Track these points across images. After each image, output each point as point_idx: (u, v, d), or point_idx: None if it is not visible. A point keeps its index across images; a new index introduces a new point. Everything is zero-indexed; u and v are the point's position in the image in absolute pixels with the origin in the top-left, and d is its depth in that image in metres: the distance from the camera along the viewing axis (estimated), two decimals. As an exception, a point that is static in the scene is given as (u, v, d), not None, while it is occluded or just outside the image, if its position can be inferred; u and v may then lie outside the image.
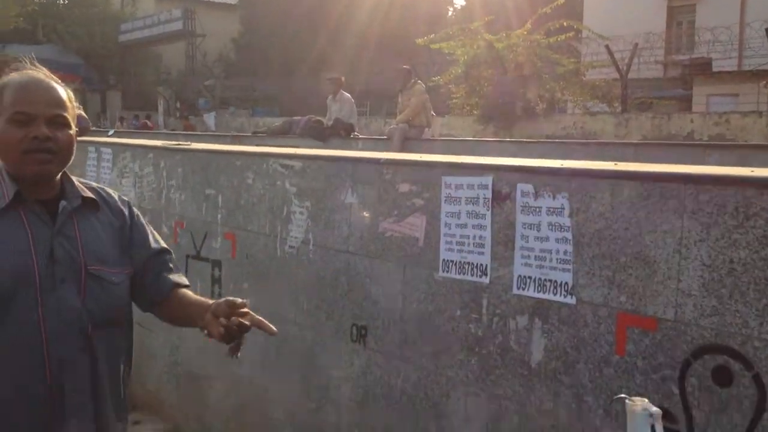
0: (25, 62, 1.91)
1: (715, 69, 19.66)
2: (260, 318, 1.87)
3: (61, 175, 1.93)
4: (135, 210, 2.09)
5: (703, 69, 19.79)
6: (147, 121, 24.94)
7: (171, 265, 2.13)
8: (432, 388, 2.89)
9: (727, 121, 11.22)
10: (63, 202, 1.89)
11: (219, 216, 4.24)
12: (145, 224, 2.10)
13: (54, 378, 1.81)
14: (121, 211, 2.04)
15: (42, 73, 1.90)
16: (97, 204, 1.97)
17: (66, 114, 1.88)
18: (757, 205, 1.96)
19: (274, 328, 1.88)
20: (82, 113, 7.33)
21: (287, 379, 3.70)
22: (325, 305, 3.45)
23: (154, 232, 2.14)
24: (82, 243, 1.89)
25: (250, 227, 3.97)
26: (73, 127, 1.92)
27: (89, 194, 1.96)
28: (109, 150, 5.49)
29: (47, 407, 1.82)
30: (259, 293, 3.89)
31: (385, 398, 3.11)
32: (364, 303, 3.21)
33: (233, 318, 1.81)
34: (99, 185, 2.06)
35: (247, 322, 1.82)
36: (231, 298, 1.87)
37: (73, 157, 1.92)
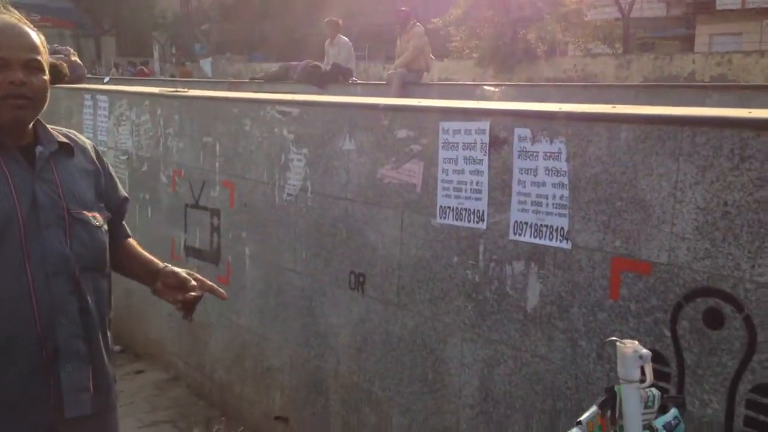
0: None
1: (718, 7, 19.34)
2: (210, 283, 2.13)
3: (35, 122, 1.93)
4: (103, 157, 2.13)
5: (706, 7, 19.48)
6: (143, 67, 24.65)
7: (125, 215, 2.22)
8: (429, 335, 2.94)
9: (729, 61, 11.10)
10: (39, 148, 1.89)
11: (217, 164, 4.24)
12: (112, 172, 2.15)
13: (44, 323, 1.83)
14: (93, 157, 2.07)
15: (14, 18, 1.88)
16: (71, 149, 1.98)
17: (40, 58, 1.87)
18: (753, 147, 1.95)
19: (224, 293, 2.19)
20: (77, 60, 7.25)
21: (287, 327, 3.75)
22: (324, 253, 3.47)
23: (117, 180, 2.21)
24: (63, 187, 1.90)
25: (249, 175, 3.97)
26: (47, 72, 1.91)
27: (64, 139, 1.97)
28: (105, 98, 5.44)
29: (42, 353, 1.85)
30: (257, 242, 3.92)
31: (384, 345, 3.16)
32: (363, 250, 3.24)
33: (187, 295, 2.03)
34: (70, 131, 2.07)
35: (199, 294, 2.05)
36: (179, 271, 2.08)
37: (47, 103, 1.91)
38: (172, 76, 21.48)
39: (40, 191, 1.86)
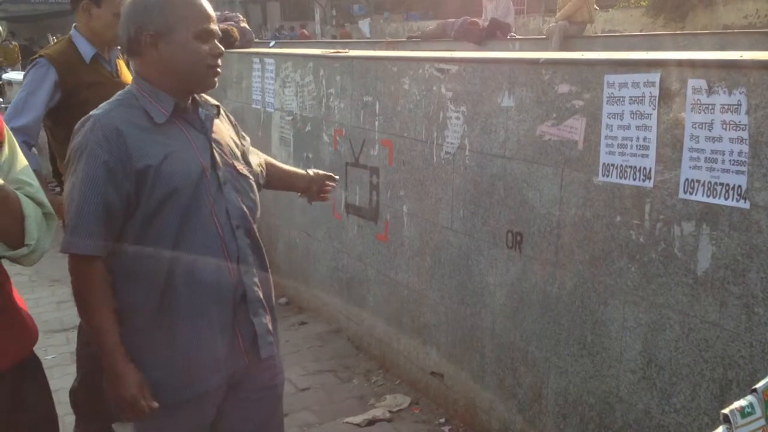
0: None
1: None
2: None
3: None
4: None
5: None
6: (304, 30, 25.45)
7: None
8: (589, 296, 2.85)
9: None
10: (202, 110, 2.03)
11: (376, 123, 4.32)
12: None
13: (234, 272, 1.98)
14: (225, 115, 2.21)
15: None
16: (219, 111, 2.12)
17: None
18: None
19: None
20: (246, 26, 7.61)
21: (443, 285, 3.79)
22: (481, 211, 3.45)
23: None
24: (225, 146, 2.04)
25: (407, 134, 4.01)
26: None
27: (214, 102, 2.11)
28: (272, 60, 5.68)
29: (232, 300, 2.00)
30: (415, 200, 3.97)
31: (540, 305, 3.11)
32: (520, 209, 3.19)
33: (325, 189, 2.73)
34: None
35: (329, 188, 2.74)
36: (318, 176, 2.69)
37: None
38: (333, 37, 22.01)
39: (216, 151, 2.00)
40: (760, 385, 1.46)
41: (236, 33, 6.57)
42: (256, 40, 8.86)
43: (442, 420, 3.81)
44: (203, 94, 2.13)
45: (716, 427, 1.42)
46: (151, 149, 1.89)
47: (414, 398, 4.03)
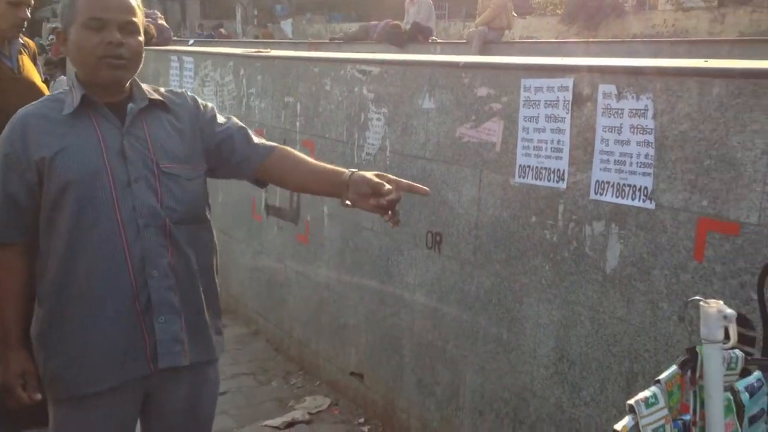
0: None
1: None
2: (407, 182, 2.01)
3: (130, 81, 2.00)
4: (202, 101, 2.16)
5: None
6: (221, 29, 24.80)
7: (254, 136, 2.18)
8: (505, 295, 2.92)
9: (836, 15, 10.35)
10: (130, 104, 1.97)
11: (297, 123, 4.29)
12: (215, 111, 2.17)
13: (137, 275, 1.91)
14: (190, 106, 2.10)
15: None
16: (165, 105, 2.04)
17: (136, 20, 1.95)
18: None
19: (426, 189, 2.06)
20: (164, 23, 7.44)
21: (363, 285, 3.80)
22: (401, 212, 3.46)
23: (231, 117, 2.20)
24: (152, 142, 1.97)
25: (328, 134, 4.01)
26: (142, 34, 1.98)
27: (156, 96, 2.03)
28: (190, 59, 5.58)
29: (136, 304, 1.93)
30: (336, 201, 3.95)
31: (459, 304, 3.16)
32: (440, 210, 3.23)
33: (381, 200, 1.91)
34: (170, 89, 2.13)
35: (395, 196, 1.93)
36: (369, 177, 1.94)
37: (141, 64, 1.98)
38: (255, 37, 21.75)
39: (129, 146, 1.93)
40: (663, 376, 1.52)
41: (153, 30, 6.41)
42: (175, 38, 8.67)
43: (362, 420, 3.82)
44: (159, 89, 2.07)
45: (623, 417, 1.48)
46: (48, 141, 1.88)
47: (334, 399, 4.03)
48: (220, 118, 2.15)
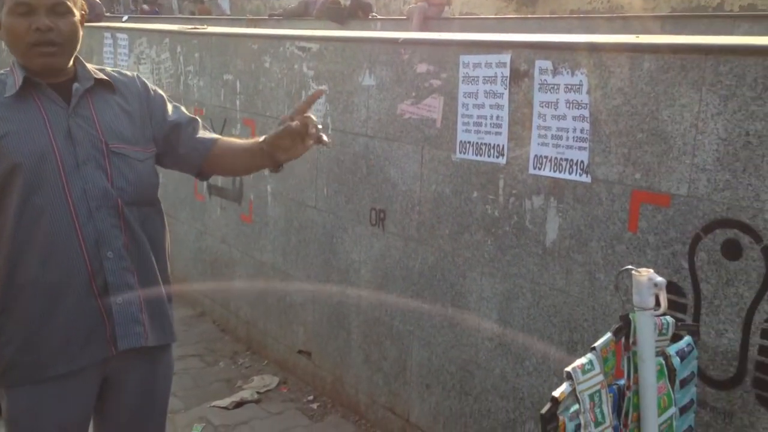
0: None
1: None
2: (302, 103, 1.92)
3: (75, 60, 1.94)
4: (153, 86, 2.12)
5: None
6: (144, 5, 23.62)
7: (201, 130, 2.15)
8: (449, 269, 2.97)
9: (762, -10, 10.69)
10: (75, 84, 1.91)
11: (237, 102, 4.24)
12: (165, 98, 2.13)
13: (92, 257, 1.88)
14: (139, 89, 2.06)
15: None
16: (111, 85, 1.99)
17: (66, 1, 1.87)
18: (779, 78, 1.91)
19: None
20: (95, -1, 7.21)
21: (309, 264, 3.81)
22: (345, 190, 3.49)
23: (180, 106, 2.17)
24: (99, 122, 1.92)
25: (269, 113, 3.97)
26: (77, 13, 1.91)
27: (102, 76, 1.98)
28: (125, 36, 5.43)
29: (92, 285, 1.90)
30: (279, 180, 3.94)
31: (404, 280, 3.20)
32: (383, 186, 3.25)
33: (309, 140, 1.88)
34: (118, 69, 2.08)
35: (305, 121, 1.86)
36: (278, 132, 1.90)
37: (79, 44, 1.92)
38: (192, 13, 21.19)
39: (75, 126, 1.88)
40: (598, 343, 1.59)
41: (85, 6, 6.21)
42: (107, 14, 8.41)
43: (311, 398, 3.84)
44: (105, 68, 2.01)
45: (561, 384, 1.53)
46: None
47: (282, 378, 4.04)
48: (170, 107, 2.12)
